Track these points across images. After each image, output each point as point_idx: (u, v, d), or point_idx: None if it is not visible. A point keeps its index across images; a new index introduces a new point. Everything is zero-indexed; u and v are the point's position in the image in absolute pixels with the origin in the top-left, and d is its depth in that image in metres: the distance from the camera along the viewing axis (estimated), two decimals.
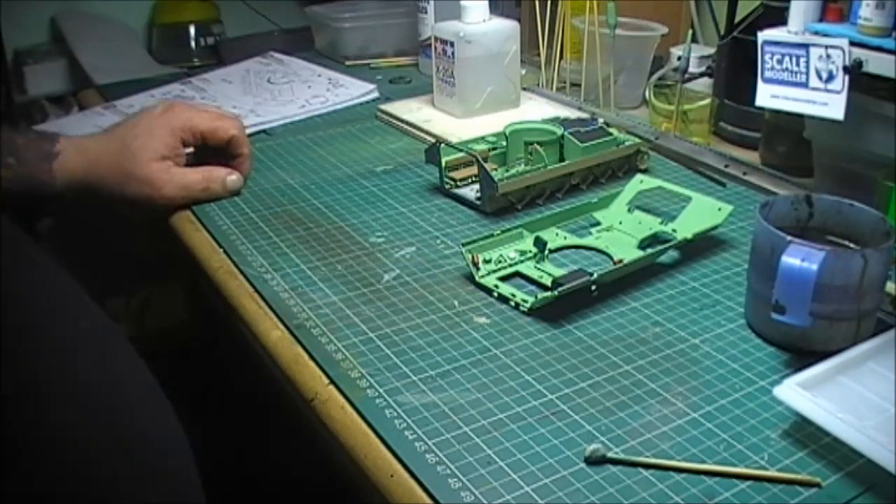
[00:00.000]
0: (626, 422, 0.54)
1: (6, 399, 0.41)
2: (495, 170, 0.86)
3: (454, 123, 1.04)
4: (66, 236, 1.22)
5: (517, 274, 0.71)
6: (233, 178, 0.84)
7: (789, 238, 0.57)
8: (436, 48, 1.06)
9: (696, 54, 1.04)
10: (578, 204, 0.80)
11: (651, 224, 0.77)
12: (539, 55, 1.15)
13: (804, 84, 0.74)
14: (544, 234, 0.75)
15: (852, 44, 0.69)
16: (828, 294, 0.56)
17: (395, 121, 1.08)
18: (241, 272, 0.72)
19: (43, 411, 0.43)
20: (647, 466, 0.50)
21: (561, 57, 1.15)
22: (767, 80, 0.77)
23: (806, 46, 0.73)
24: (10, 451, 0.41)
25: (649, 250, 0.72)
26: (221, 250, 0.76)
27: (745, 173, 0.90)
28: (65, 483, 0.42)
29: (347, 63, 1.35)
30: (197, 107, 0.86)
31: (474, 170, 0.87)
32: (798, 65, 0.74)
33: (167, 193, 0.80)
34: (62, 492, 0.42)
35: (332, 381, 0.58)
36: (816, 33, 0.72)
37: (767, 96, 0.77)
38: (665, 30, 1.12)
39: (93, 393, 0.45)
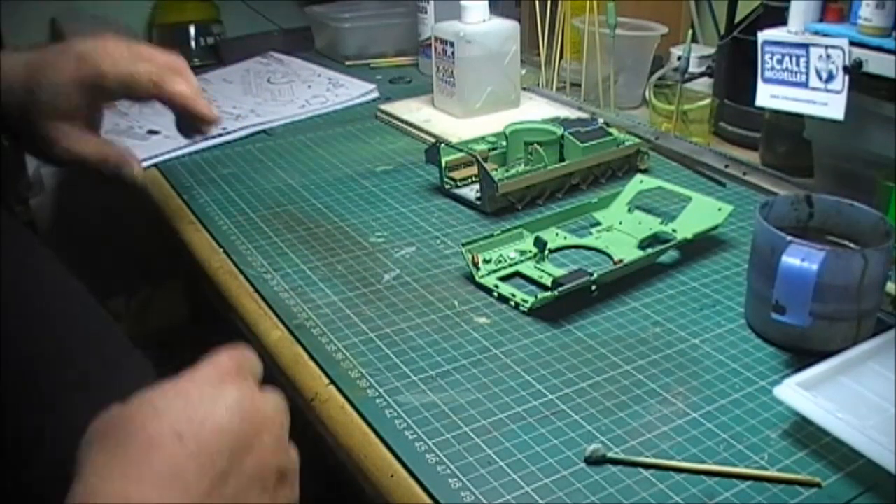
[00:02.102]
0: (626, 422, 0.54)
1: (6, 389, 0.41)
2: (495, 170, 0.86)
3: (454, 123, 1.04)
4: (66, 236, 1.22)
5: (517, 274, 0.71)
6: (129, 169, 0.73)
7: (789, 238, 0.57)
8: (436, 48, 1.06)
9: (696, 54, 1.04)
10: (578, 204, 0.80)
11: (651, 224, 0.77)
12: (539, 55, 1.15)
13: (804, 84, 0.74)
14: (544, 234, 0.75)
15: (852, 44, 0.69)
16: (828, 294, 0.56)
17: (395, 121, 1.08)
18: (241, 272, 0.72)
19: (40, 402, 0.43)
20: (647, 466, 0.50)
21: (561, 57, 1.15)
22: (767, 80, 0.77)
23: (806, 46, 0.73)
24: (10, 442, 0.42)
25: (649, 250, 0.72)
26: (221, 250, 0.76)
27: (745, 173, 0.90)
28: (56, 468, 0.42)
29: (347, 63, 1.35)
30: (115, 55, 0.71)
31: (474, 170, 0.87)
32: (798, 65, 0.74)
33: (58, 154, 0.72)
34: (54, 474, 0.42)
35: (332, 381, 0.58)
36: (816, 33, 0.72)
37: (767, 96, 0.77)
38: (665, 30, 1.12)
39: (91, 382, 0.45)
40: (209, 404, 0.42)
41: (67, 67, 0.70)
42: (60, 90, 0.69)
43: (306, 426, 0.60)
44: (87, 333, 0.47)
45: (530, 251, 0.73)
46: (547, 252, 0.72)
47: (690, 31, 1.02)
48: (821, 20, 0.73)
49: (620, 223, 0.78)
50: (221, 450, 0.40)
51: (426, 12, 1.24)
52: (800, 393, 0.52)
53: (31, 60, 0.71)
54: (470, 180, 0.87)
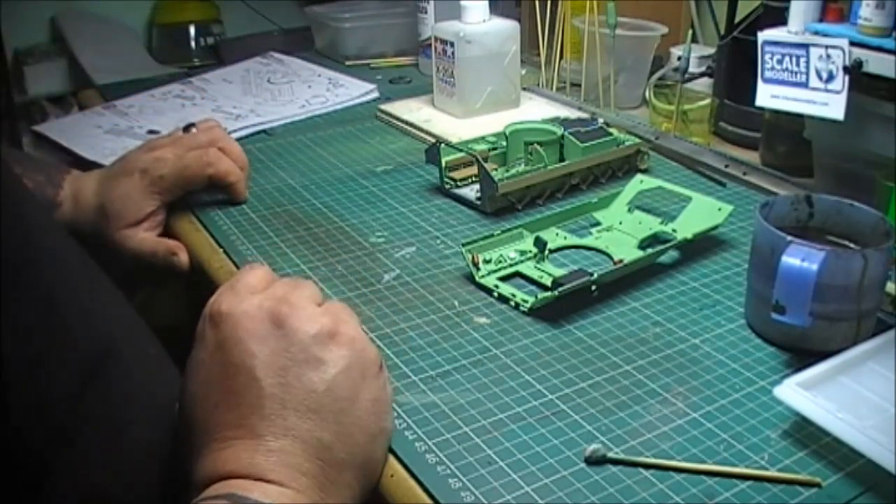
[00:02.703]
0: (626, 422, 0.54)
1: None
2: (495, 170, 0.86)
3: (454, 123, 1.04)
4: None
5: (517, 274, 0.71)
6: (173, 258, 0.80)
7: (789, 238, 0.57)
8: (436, 48, 1.06)
9: (696, 54, 1.04)
10: (578, 204, 0.80)
11: (651, 224, 0.77)
12: (539, 55, 1.15)
13: (804, 84, 0.74)
14: (544, 234, 0.75)
15: (852, 44, 0.69)
16: (828, 294, 0.56)
17: (395, 121, 1.08)
18: None
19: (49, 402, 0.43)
20: (648, 466, 0.50)
21: (561, 57, 1.15)
22: (767, 80, 0.77)
23: (806, 46, 0.73)
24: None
25: (649, 250, 0.72)
26: (221, 250, 0.76)
27: (745, 173, 0.90)
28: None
29: (347, 63, 1.35)
30: (168, 158, 0.80)
31: (474, 170, 0.87)
32: (798, 65, 0.74)
33: (126, 254, 0.80)
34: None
35: None
36: (816, 33, 0.72)
37: (767, 96, 0.77)
38: (665, 30, 1.12)
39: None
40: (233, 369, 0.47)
41: (132, 180, 0.79)
42: (129, 200, 0.79)
43: None
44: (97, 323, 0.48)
45: (530, 251, 0.73)
46: (547, 252, 0.72)
47: (690, 31, 1.02)
48: (821, 20, 0.73)
49: (620, 223, 0.78)
50: (270, 383, 0.47)
51: (426, 12, 1.24)
52: (800, 393, 0.52)
53: (100, 181, 0.81)
54: (470, 180, 0.87)
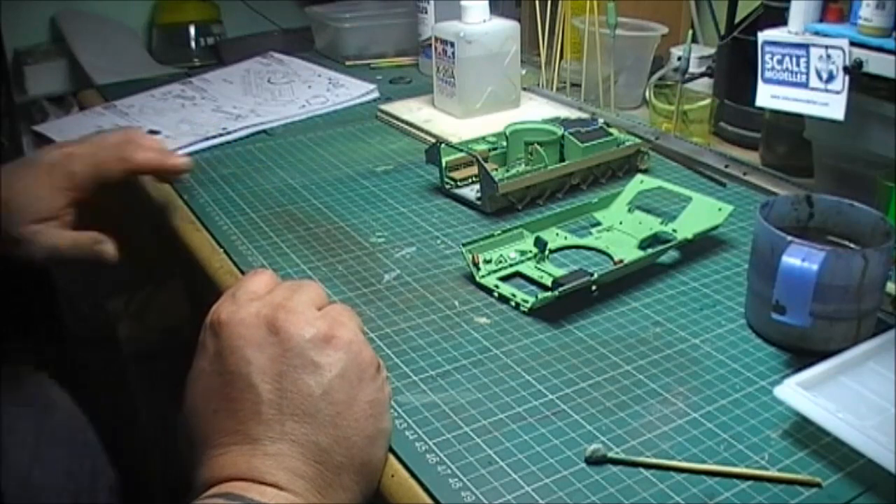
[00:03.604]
0: (626, 422, 0.54)
1: None
2: (495, 170, 0.86)
3: (454, 123, 1.04)
4: None
5: (517, 274, 0.71)
6: (100, 247, 0.76)
7: (789, 238, 0.57)
8: (436, 48, 1.06)
9: (696, 54, 1.04)
10: (579, 204, 0.80)
11: (651, 224, 0.77)
12: (539, 55, 1.15)
13: (804, 84, 0.74)
14: (544, 234, 0.75)
15: (852, 44, 0.69)
16: (828, 294, 0.56)
17: (395, 121, 1.08)
18: (242, 272, 0.72)
19: None
20: (648, 466, 0.50)
21: (561, 57, 1.15)
22: (767, 81, 0.77)
23: (806, 46, 0.73)
24: None
25: (649, 250, 0.72)
26: (222, 250, 0.76)
27: (745, 173, 0.90)
28: None
29: (347, 63, 1.35)
30: (79, 154, 0.76)
31: (474, 170, 0.87)
32: (798, 65, 0.74)
33: (34, 252, 0.76)
34: None
35: None
36: (816, 33, 0.72)
37: (767, 96, 0.77)
38: (665, 30, 1.12)
39: None
40: (240, 378, 0.48)
41: (40, 177, 0.75)
42: (41, 197, 0.75)
43: None
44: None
45: (530, 251, 0.73)
46: (547, 252, 0.72)
47: (690, 31, 1.02)
48: (821, 20, 0.73)
49: (621, 223, 0.78)
50: (268, 388, 0.48)
51: (426, 12, 1.24)
52: (800, 393, 0.52)
53: (2, 175, 0.76)
54: (470, 180, 0.88)
